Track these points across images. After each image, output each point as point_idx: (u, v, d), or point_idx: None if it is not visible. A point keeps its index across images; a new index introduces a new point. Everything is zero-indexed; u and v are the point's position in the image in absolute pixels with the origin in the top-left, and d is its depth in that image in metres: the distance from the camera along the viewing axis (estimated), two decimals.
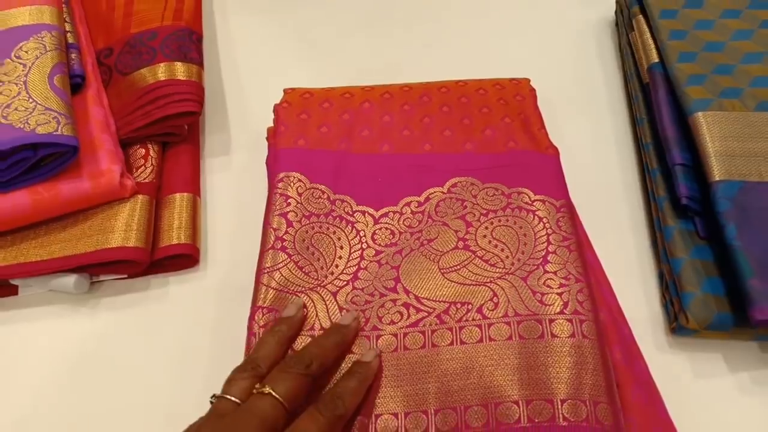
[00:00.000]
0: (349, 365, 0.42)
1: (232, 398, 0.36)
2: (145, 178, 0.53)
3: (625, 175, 0.55)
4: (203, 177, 0.57)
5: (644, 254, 0.51)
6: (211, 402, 0.38)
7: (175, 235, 0.51)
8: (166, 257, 0.50)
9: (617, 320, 0.46)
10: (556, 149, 0.52)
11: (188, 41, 0.58)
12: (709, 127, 0.48)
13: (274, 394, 0.36)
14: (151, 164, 0.54)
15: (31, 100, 0.49)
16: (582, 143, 0.57)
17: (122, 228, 0.49)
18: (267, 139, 0.56)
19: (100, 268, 0.49)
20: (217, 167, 0.58)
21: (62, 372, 0.47)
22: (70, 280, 0.48)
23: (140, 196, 0.51)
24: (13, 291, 0.50)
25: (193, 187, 0.54)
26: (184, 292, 0.51)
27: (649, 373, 0.44)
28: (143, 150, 0.54)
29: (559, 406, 0.38)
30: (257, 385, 0.37)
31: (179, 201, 0.53)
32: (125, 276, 0.51)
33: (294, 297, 0.45)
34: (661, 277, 0.49)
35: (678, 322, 0.45)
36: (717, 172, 0.46)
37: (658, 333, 0.47)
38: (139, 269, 0.50)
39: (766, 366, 0.45)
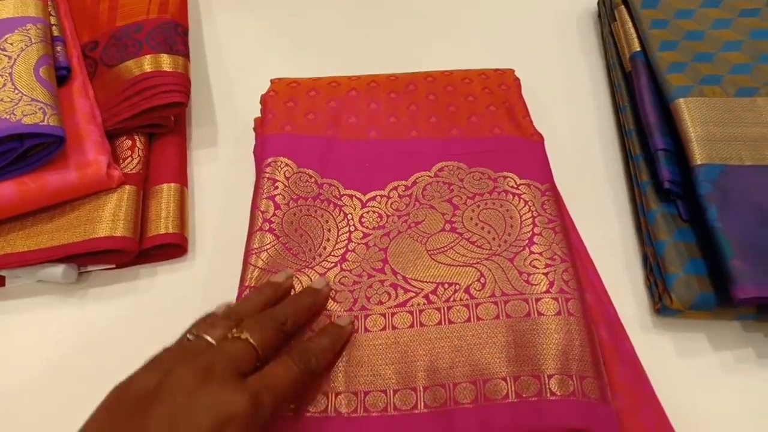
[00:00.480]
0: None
1: (210, 339, 0.37)
2: (132, 169, 0.53)
3: (608, 162, 0.56)
4: (190, 169, 0.57)
5: (628, 238, 0.51)
6: (188, 339, 0.38)
7: (162, 224, 0.51)
8: (154, 247, 0.50)
9: (603, 302, 0.46)
10: (540, 136, 0.53)
11: (174, 34, 0.58)
12: (690, 112, 0.49)
13: (250, 339, 0.37)
14: (138, 155, 0.54)
15: (16, 91, 0.49)
16: (566, 132, 0.58)
17: (110, 218, 0.49)
18: (254, 129, 0.56)
19: (88, 258, 0.49)
20: (204, 159, 0.58)
21: (51, 362, 0.47)
22: (58, 270, 0.48)
23: (127, 187, 0.51)
24: None
25: (181, 177, 0.55)
26: (172, 282, 0.51)
27: (634, 352, 0.44)
28: (130, 141, 0.54)
29: (546, 382, 0.38)
30: (234, 330, 0.38)
31: (167, 191, 0.53)
32: (113, 266, 0.51)
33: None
34: (645, 259, 0.50)
35: (662, 302, 0.46)
36: (698, 156, 0.47)
37: (643, 314, 0.47)
38: (127, 259, 0.50)
39: (748, 344, 0.46)
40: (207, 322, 0.39)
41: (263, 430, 0.34)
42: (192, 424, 0.31)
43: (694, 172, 0.47)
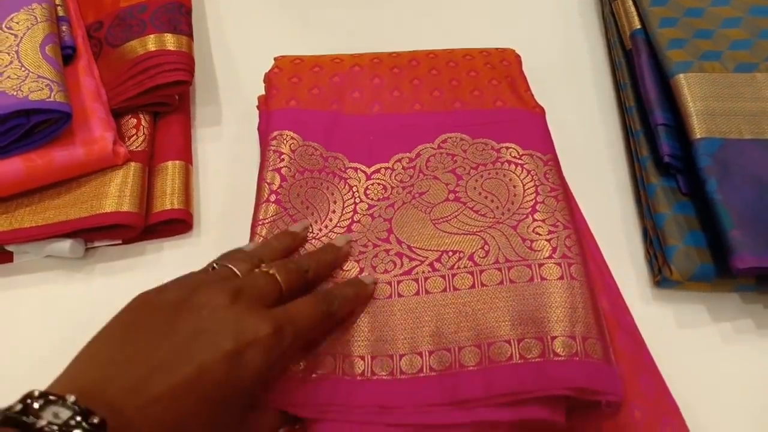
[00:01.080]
0: None
1: (235, 270, 0.38)
2: (137, 147, 0.53)
3: (609, 139, 0.57)
4: (194, 147, 0.57)
5: (628, 213, 0.52)
6: (213, 267, 0.39)
7: (168, 200, 0.51)
8: (159, 222, 0.51)
9: (604, 274, 0.47)
10: (542, 109, 0.53)
11: (178, 13, 0.58)
12: (690, 87, 0.50)
13: (276, 276, 0.38)
14: (143, 133, 0.54)
15: (23, 69, 0.50)
16: (568, 110, 0.58)
17: (116, 193, 0.50)
18: (258, 107, 0.57)
19: (95, 234, 0.50)
20: (208, 137, 0.58)
21: (58, 338, 0.47)
22: (65, 244, 0.49)
23: (133, 164, 0.52)
24: (8, 258, 0.51)
25: (185, 155, 0.55)
26: (178, 257, 0.51)
27: (634, 323, 0.45)
28: (135, 120, 0.55)
29: (550, 343, 0.39)
30: (262, 266, 0.39)
31: (171, 168, 0.53)
32: (120, 242, 0.51)
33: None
34: (645, 233, 0.50)
35: (662, 274, 0.46)
36: (698, 130, 0.48)
37: (643, 286, 0.48)
38: (133, 234, 0.50)
39: (747, 316, 0.46)
40: (230, 257, 0.40)
41: (280, 361, 0.35)
42: (215, 339, 0.32)
43: (693, 145, 0.47)
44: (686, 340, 0.46)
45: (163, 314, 0.34)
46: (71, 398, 0.27)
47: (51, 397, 0.27)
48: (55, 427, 0.25)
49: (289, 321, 0.35)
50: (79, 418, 0.26)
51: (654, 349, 0.44)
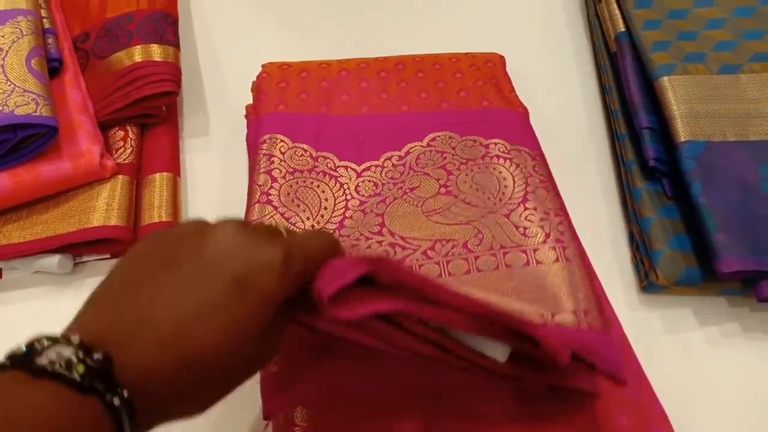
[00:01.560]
0: None
1: None
2: (124, 160, 0.53)
3: (595, 143, 0.57)
4: (183, 158, 0.58)
5: (615, 218, 0.52)
6: None
7: (156, 213, 0.51)
8: None
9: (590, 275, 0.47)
10: (525, 109, 0.54)
11: (164, 24, 0.58)
12: (674, 90, 0.50)
13: (280, 228, 0.36)
14: (131, 145, 0.54)
15: (9, 83, 0.50)
16: (554, 113, 0.58)
17: (103, 207, 0.50)
18: (246, 116, 0.57)
19: (84, 248, 0.50)
20: (196, 148, 0.59)
21: None
22: (53, 260, 0.49)
23: (120, 177, 0.52)
24: None
25: (173, 167, 0.55)
26: None
27: (621, 329, 0.45)
28: (122, 132, 0.55)
29: (550, 318, 0.39)
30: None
31: (159, 181, 0.53)
32: (108, 256, 0.51)
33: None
34: (631, 238, 0.50)
35: (648, 279, 0.47)
36: (682, 133, 0.48)
37: (629, 292, 0.48)
38: (121, 248, 0.50)
39: (734, 319, 0.47)
40: None
41: (293, 284, 0.33)
42: (223, 267, 0.31)
43: (678, 149, 0.48)
44: (673, 344, 0.46)
45: (169, 246, 0.32)
46: (75, 338, 0.26)
47: (56, 339, 0.26)
48: (58, 365, 0.25)
49: (297, 245, 0.34)
50: (81, 355, 0.26)
51: (641, 354, 0.44)
